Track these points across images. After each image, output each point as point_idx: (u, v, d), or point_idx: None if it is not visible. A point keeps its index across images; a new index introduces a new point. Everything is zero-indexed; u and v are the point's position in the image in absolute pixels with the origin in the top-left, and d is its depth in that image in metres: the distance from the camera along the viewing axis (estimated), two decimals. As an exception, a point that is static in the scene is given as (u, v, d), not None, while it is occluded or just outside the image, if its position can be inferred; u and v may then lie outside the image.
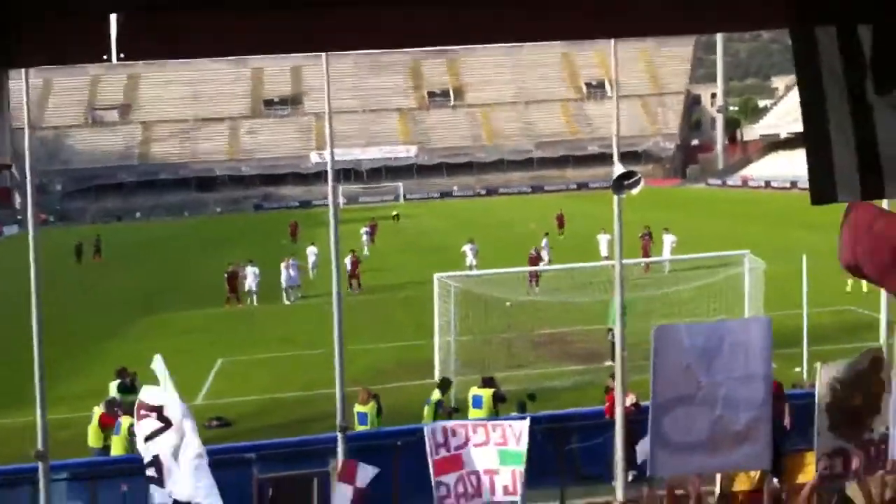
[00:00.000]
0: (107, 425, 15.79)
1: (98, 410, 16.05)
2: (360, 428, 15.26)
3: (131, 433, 15.01)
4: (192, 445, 9.49)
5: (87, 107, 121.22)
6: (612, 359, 22.18)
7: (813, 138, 3.98)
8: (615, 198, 11.83)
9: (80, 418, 19.90)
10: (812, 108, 3.92)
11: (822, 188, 4.00)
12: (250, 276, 35.76)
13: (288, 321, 31.76)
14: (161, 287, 41.38)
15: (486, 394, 15.76)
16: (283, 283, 35.83)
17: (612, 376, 14.20)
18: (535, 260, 35.65)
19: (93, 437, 15.95)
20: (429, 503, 13.04)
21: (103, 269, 51.77)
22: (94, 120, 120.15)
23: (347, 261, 36.16)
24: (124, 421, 15.26)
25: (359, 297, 34.48)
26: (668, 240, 37.78)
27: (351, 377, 14.36)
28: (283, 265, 36.06)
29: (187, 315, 33.50)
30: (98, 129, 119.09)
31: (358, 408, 15.62)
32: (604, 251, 37.64)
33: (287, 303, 35.54)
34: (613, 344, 22.34)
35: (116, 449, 15.19)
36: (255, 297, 35.75)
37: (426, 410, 16.15)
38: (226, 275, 36.26)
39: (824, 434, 9.55)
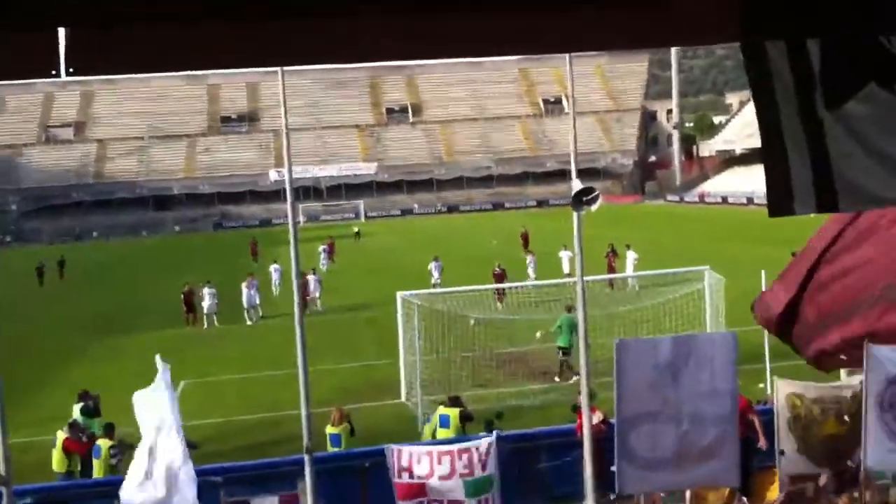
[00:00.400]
0: (71, 450, 15.51)
1: (62, 435, 15.75)
2: (332, 449, 15.13)
3: (112, 454, 14.84)
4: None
5: (41, 124, 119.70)
6: (560, 376, 22.57)
7: (769, 152, 4.06)
8: (575, 214, 11.84)
9: (43, 442, 19.61)
10: (767, 122, 4.01)
11: (779, 201, 4.09)
12: (207, 298, 35.39)
13: (250, 341, 31.55)
14: (123, 308, 40.92)
15: (454, 413, 15.70)
16: (245, 304, 35.57)
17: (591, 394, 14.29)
18: (500, 276, 35.72)
19: (57, 462, 15.63)
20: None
21: (68, 290, 50.94)
22: (49, 138, 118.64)
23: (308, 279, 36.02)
24: (103, 444, 15.00)
25: (323, 317, 34.29)
26: (631, 257, 38.03)
27: (316, 398, 14.28)
28: (244, 285, 35.81)
29: (149, 336, 33.12)
30: (52, 147, 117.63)
31: (330, 429, 15.48)
32: (566, 268, 37.79)
33: (249, 323, 35.28)
34: (563, 363, 22.74)
35: (98, 472, 14.93)
36: (214, 318, 35.40)
37: (426, 430, 16.05)
38: (182, 295, 35.94)
39: (792, 456, 9.59)
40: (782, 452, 9.74)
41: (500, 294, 30.45)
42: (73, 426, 16.13)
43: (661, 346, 9.15)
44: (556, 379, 22.91)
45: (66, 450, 15.48)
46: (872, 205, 4.27)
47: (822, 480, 9.62)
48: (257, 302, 35.90)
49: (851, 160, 3.93)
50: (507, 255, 42.36)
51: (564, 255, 38.80)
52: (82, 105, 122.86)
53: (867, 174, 3.93)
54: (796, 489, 9.56)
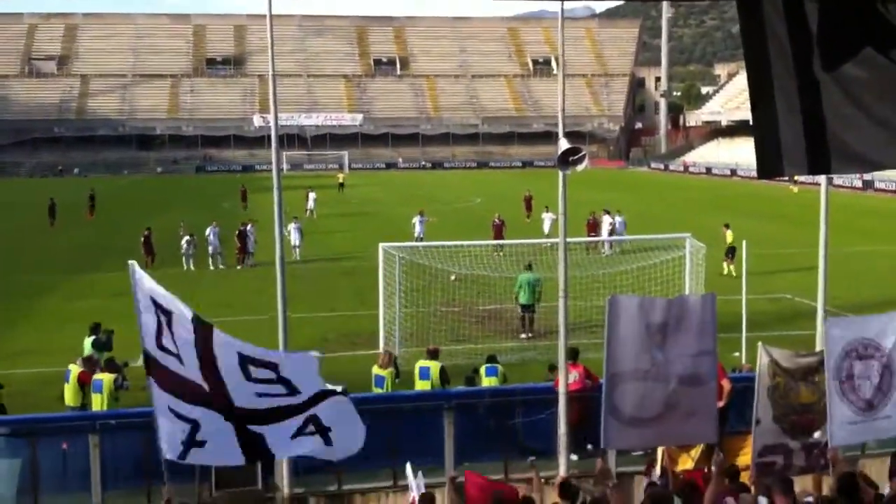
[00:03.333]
0: (86, 383, 15.43)
1: (75, 368, 15.57)
2: (376, 390, 15.38)
3: (117, 387, 14.81)
4: None
5: (23, 56, 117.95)
6: (523, 332, 23.11)
7: (760, 112, 4.04)
8: (560, 174, 11.82)
9: (13, 375, 19.59)
10: (759, 82, 3.99)
11: (768, 161, 4.07)
12: (185, 244, 35.16)
13: (229, 286, 31.51)
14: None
15: (434, 366, 15.75)
16: (211, 250, 35.64)
17: (574, 352, 14.35)
18: (499, 227, 36.61)
19: (70, 396, 15.47)
20: (378, 473, 13.14)
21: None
22: (31, 70, 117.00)
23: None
24: (105, 378, 14.95)
25: (303, 266, 34.17)
26: (606, 221, 37.99)
27: (294, 345, 14.32)
28: (246, 229, 35.99)
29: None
30: (34, 80, 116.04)
31: (376, 370, 15.66)
32: (546, 229, 37.83)
33: (238, 267, 35.19)
34: (524, 318, 23.03)
35: (98, 406, 14.90)
36: (191, 262, 35.04)
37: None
38: (142, 238, 35.73)
39: (767, 425, 9.67)
40: (758, 422, 9.81)
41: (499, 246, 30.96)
42: (88, 359, 16.05)
43: (653, 305, 9.17)
44: (522, 336, 23.09)
45: (81, 382, 15.41)
46: (866, 167, 4.25)
47: (795, 454, 9.70)
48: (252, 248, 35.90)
49: (848, 122, 3.91)
50: (493, 215, 42.22)
51: (546, 217, 38.85)
52: (66, 38, 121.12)
53: (864, 138, 3.92)
54: (767, 461, 9.66)
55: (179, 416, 8.11)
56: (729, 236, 31.78)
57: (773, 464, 9.78)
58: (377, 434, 13.39)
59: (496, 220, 37.30)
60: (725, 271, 30.05)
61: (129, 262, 8.41)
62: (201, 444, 8.17)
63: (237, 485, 13.07)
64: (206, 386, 8.06)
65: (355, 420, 8.49)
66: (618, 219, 37.77)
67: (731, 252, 30.76)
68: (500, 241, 32.74)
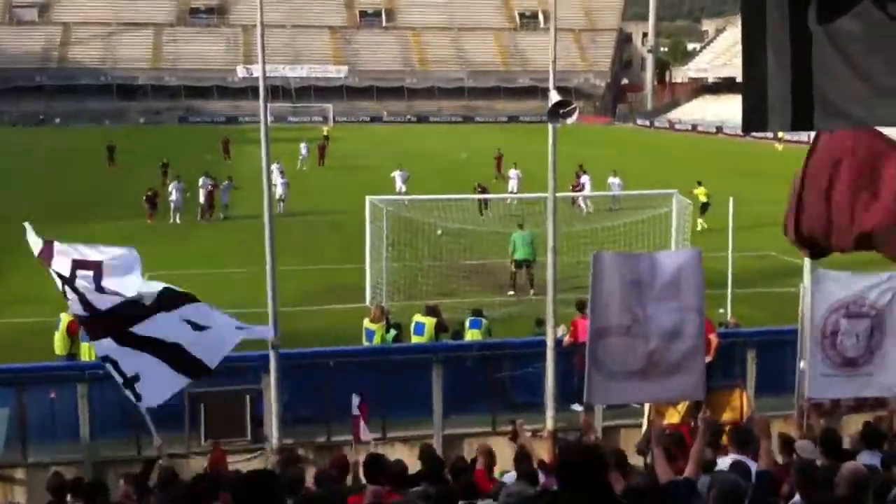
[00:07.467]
0: (74, 333, 15.36)
1: (66, 317, 15.46)
2: (366, 343, 15.38)
3: None
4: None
5: (5, 4, 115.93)
6: (513, 290, 22.89)
7: (750, 65, 3.98)
8: (550, 127, 11.78)
9: (3, 325, 19.58)
10: (752, 34, 3.93)
11: (754, 114, 4.02)
12: (175, 193, 35.01)
13: (214, 238, 31.40)
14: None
15: (429, 322, 15.78)
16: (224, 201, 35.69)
17: (581, 304, 14.22)
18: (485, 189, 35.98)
19: (59, 345, 15.51)
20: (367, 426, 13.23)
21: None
22: (12, 18, 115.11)
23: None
24: None
25: (288, 219, 34.04)
26: (586, 178, 37.82)
27: (281, 298, 14.31)
28: (222, 186, 35.97)
29: (115, 226, 32.82)
30: (16, 27, 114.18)
31: (367, 324, 15.63)
32: (512, 186, 37.53)
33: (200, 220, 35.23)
34: (515, 275, 22.86)
35: (85, 356, 14.87)
36: (178, 215, 34.98)
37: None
38: (145, 196, 35.55)
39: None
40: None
41: (485, 205, 30.92)
42: None
43: (636, 261, 9.17)
44: (510, 294, 22.99)
45: (70, 332, 15.37)
46: (848, 123, 4.20)
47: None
48: (225, 201, 35.74)
49: (833, 76, 3.85)
50: (479, 171, 42.13)
51: (513, 174, 38.55)
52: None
53: (848, 92, 3.87)
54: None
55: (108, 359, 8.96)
56: (701, 193, 32.05)
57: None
58: (367, 386, 13.55)
59: (478, 188, 35.30)
60: (699, 227, 30.23)
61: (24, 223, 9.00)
62: (136, 378, 8.97)
63: (226, 435, 13.17)
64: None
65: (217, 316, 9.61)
66: (615, 180, 37.42)
67: (704, 208, 31.52)
68: (485, 196, 32.57)
